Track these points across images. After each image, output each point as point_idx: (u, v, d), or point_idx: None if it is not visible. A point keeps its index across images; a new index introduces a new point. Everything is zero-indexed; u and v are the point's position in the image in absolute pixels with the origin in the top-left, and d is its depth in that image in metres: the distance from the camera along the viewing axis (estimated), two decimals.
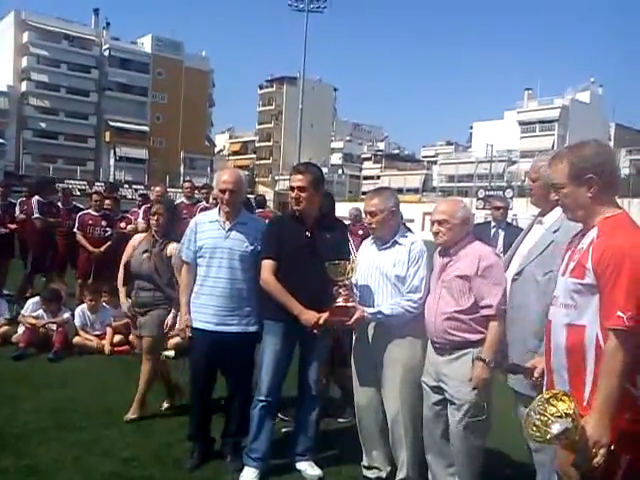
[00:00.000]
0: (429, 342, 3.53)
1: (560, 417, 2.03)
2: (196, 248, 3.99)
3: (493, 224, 7.08)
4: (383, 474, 3.77)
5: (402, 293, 3.62)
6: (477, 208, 29.98)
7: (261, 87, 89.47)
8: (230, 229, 3.95)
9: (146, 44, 72.91)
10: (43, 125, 66.21)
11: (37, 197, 8.97)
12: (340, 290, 3.54)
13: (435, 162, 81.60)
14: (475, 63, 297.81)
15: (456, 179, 63.27)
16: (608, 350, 2.18)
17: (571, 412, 2.04)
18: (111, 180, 52.71)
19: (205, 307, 3.94)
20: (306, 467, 3.90)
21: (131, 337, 6.29)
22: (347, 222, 9.98)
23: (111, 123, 68.65)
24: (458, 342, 3.32)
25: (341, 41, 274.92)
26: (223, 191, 3.91)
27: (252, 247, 3.93)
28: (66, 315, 6.65)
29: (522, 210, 22.85)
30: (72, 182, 40.38)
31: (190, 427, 4.15)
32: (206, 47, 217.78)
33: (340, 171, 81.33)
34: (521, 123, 73.95)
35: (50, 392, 5.07)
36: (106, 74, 69.63)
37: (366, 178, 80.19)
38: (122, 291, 4.88)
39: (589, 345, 2.28)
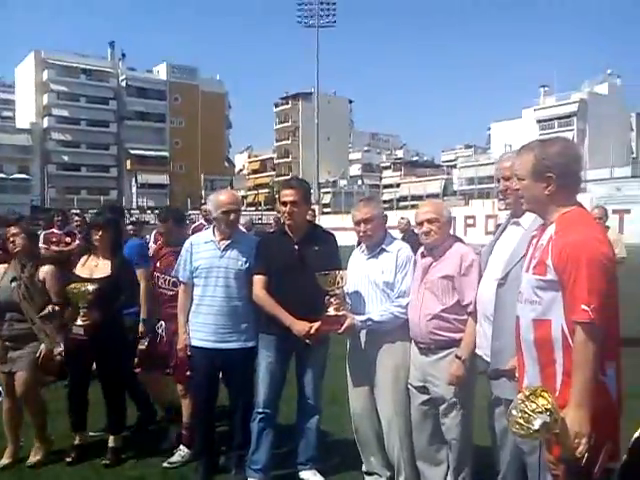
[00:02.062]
0: (413, 343, 3.60)
1: (540, 412, 2.08)
2: (192, 268, 4.10)
3: None
4: (383, 479, 3.82)
5: (391, 299, 3.69)
6: (499, 209, 29.73)
7: (277, 105, 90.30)
8: (225, 248, 4.06)
9: (161, 72, 74.37)
10: (66, 158, 67.78)
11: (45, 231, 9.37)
12: (331, 299, 3.62)
13: (454, 166, 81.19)
14: (490, 64, 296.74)
15: (476, 181, 62.80)
16: (578, 343, 2.22)
17: (550, 407, 2.08)
18: (134, 206, 53.60)
19: (203, 325, 4.04)
20: (309, 476, 3.97)
21: None
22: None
23: (131, 151, 69.94)
24: (443, 341, 3.42)
25: (353, 53, 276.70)
26: (227, 212, 4.02)
27: (247, 265, 4.03)
28: None
29: None
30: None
31: (195, 443, 4.25)
32: (220, 70, 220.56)
33: (360, 181, 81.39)
34: (539, 120, 73.12)
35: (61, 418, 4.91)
36: (124, 104, 71.11)
37: (386, 187, 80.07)
38: None
39: (556, 338, 2.33)
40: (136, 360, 4.84)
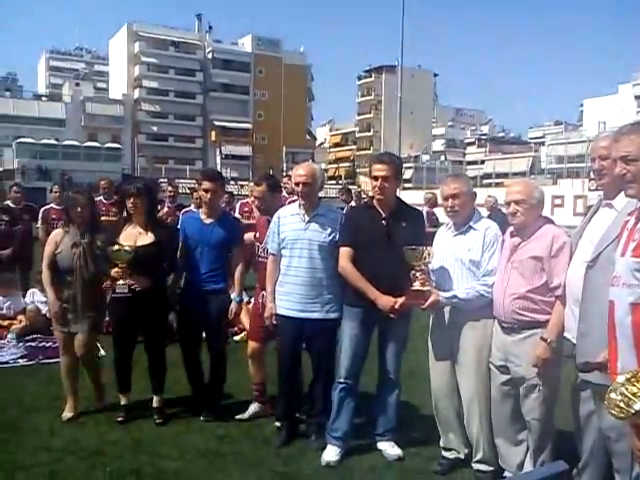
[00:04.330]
0: (495, 322, 3.57)
1: None
2: (280, 240, 4.22)
3: None
4: (461, 455, 3.84)
5: (477, 277, 3.66)
6: (589, 189, 28.43)
7: (359, 78, 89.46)
8: (309, 221, 4.15)
9: (246, 44, 75.10)
10: (155, 129, 70.09)
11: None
12: (417, 274, 3.64)
13: (543, 143, 78.03)
14: (586, 37, 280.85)
15: (566, 160, 60.17)
16: None
17: None
18: None
19: (288, 295, 4.17)
20: (386, 447, 4.05)
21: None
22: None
23: (216, 123, 71.35)
24: (527, 322, 3.37)
25: (440, 25, 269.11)
26: (297, 184, 4.12)
27: (330, 237, 4.11)
28: None
29: None
30: (182, 181, 42.57)
31: (278, 408, 4.42)
32: (304, 42, 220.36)
33: (442, 157, 79.87)
34: (638, 97, 68.89)
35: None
36: (210, 76, 72.48)
37: (470, 163, 78.14)
38: (51, 290, 4.60)
39: None
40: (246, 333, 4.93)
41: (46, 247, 4.72)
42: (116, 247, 4.37)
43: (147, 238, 4.55)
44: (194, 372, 4.83)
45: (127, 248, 4.35)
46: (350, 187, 15.14)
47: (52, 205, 8.28)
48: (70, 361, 4.70)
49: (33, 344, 6.86)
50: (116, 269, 4.39)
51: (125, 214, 4.68)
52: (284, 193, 9.18)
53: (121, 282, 4.39)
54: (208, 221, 4.74)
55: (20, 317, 7.50)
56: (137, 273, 4.43)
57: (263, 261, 4.55)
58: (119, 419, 4.54)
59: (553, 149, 69.43)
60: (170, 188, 10.18)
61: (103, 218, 8.11)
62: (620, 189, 2.94)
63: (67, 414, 4.61)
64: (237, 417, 4.62)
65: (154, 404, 4.68)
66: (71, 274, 4.54)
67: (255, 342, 4.71)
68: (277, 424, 4.41)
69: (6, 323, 7.39)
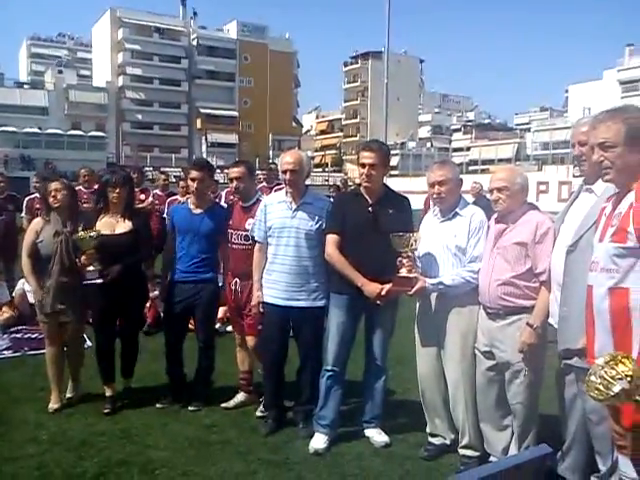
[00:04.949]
0: (481, 308, 3.60)
1: (620, 379, 2.06)
2: (266, 228, 4.21)
3: None
4: (447, 441, 3.88)
5: (463, 263, 3.68)
6: (574, 176, 28.69)
7: (346, 64, 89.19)
8: (296, 209, 4.14)
9: (232, 30, 74.45)
10: (139, 116, 69.46)
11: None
12: (404, 261, 3.65)
13: (528, 130, 78.35)
14: (570, 22, 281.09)
15: (551, 146, 60.57)
16: None
17: (631, 373, 2.06)
18: None
19: (275, 283, 4.17)
20: (374, 434, 4.07)
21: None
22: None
23: (202, 110, 70.85)
24: (512, 308, 3.40)
25: (425, 11, 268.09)
26: (285, 172, 4.11)
27: (317, 225, 4.10)
28: (155, 292, 7.10)
29: None
30: (168, 169, 42.28)
31: (265, 396, 4.42)
32: (289, 29, 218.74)
33: (429, 144, 80.00)
34: (622, 82, 69.14)
35: (141, 365, 5.22)
36: (195, 63, 71.85)
37: (456, 150, 78.31)
38: (33, 279, 4.55)
39: (634, 306, 2.32)
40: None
41: (26, 236, 4.67)
42: (81, 234, 4.34)
43: (125, 226, 4.58)
44: (174, 362, 4.80)
45: (92, 234, 4.33)
46: (337, 183, 15.24)
47: (37, 195, 8.20)
48: (55, 352, 4.68)
49: (18, 335, 6.81)
50: (84, 256, 4.39)
51: (101, 203, 4.67)
52: (264, 184, 9.20)
53: (91, 268, 4.40)
54: (197, 211, 4.70)
55: (5, 308, 7.43)
56: (115, 260, 4.43)
57: (237, 248, 4.55)
58: (105, 410, 4.54)
59: (538, 135, 69.78)
60: (163, 177, 10.35)
61: (85, 205, 8.15)
62: (599, 174, 2.97)
63: (53, 405, 4.59)
64: (222, 405, 4.64)
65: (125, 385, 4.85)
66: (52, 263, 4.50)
67: (238, 333, 4.76)
68: (264, 412, 4.42)
69: None
